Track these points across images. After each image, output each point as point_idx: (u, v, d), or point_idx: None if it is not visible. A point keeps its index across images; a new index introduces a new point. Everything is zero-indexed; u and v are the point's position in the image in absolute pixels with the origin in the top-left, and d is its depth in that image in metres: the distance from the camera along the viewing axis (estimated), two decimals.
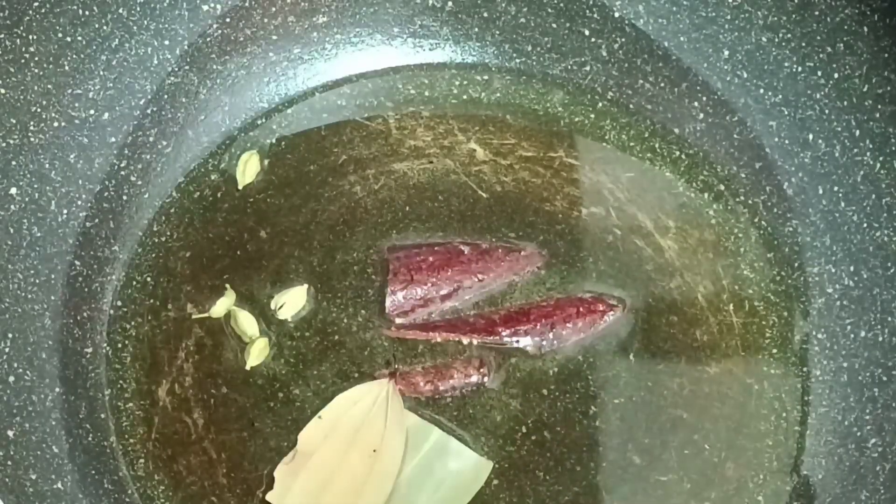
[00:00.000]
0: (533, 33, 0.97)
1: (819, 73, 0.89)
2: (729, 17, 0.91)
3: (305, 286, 0.89)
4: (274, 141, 0.96)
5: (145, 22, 0.91)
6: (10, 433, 0.78)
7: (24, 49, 0.84)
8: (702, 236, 0.92)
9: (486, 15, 0.98)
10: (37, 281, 0.84)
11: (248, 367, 0.86)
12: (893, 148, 0.85)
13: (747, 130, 0.93)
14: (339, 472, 0.82)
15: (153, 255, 0.91)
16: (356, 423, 0.83)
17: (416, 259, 0.88)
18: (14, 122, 0.84)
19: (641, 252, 0.91)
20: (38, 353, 0.83)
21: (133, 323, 0.89)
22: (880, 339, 0.85)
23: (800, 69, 0.89)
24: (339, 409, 0.84)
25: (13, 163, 0.84)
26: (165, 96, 0.93)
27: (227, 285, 0.89)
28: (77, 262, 0.88)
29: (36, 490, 0.77)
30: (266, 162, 0.95)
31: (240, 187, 0.94)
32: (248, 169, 0.93)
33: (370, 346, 0.88)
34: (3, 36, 0.82)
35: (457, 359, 0.87)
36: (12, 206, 0.84)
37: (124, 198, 0.91)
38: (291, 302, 0.88)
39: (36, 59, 0.84)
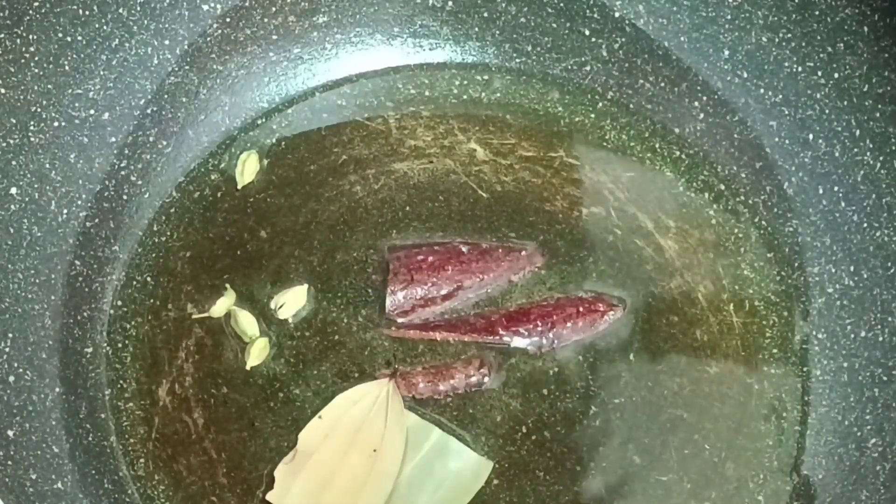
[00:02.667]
0: (533, 33, 0.97)
1: (819, 73, 0.89)
2: (729, 17, 0.91)
3: (305, 286, 0.89)
4: (274, 141, 0.96)
5: (145, 22, 0.91)
6: (10, 433, 0.78)
7: (24, 49, 0.84)
8: (702, 236, 0.92)
9: (486, 15, 0.98)
10: (37, 281, 0.84)
11: (248, 367, 0.86)
12: (893, 148, 0.85)
13: (747, 130, 0.93)
14: (339, 472, 0.82)
15: (153, 255, 0.91)
16: (356, 423, 0.83)
17: (416, 259, 0.88)
18: (14, 122, 0.84)
19: (641, 252, 0.91)
20: (38, 353, 0.83)
21: (133, 323, 0.89)
22: (880, 339, 0.85)
23: (800, 69, 0.89)
24: (339, 409, 0.84)
25: (13, 163, 0.84)
26: (165, 96, 0.93)
27: (227, 285, 0.89)
28: (77, 262, 0.88)
29: (36, 490, 0.77)
30: (266, 162, 0.95)
31: (239, 187, 0.94)
32: (248, 169, 0.94)
33: (370, 346, 0.88)
34: (3, 36, 0.82)
35: (457, 359, 0.87)
36: (12, 206, 0.84)
37: (124, 198, 0.91)
38: (291, 302, 0.88)
39: (36, 59, 0.84)
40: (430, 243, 0.90)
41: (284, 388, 0.86)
